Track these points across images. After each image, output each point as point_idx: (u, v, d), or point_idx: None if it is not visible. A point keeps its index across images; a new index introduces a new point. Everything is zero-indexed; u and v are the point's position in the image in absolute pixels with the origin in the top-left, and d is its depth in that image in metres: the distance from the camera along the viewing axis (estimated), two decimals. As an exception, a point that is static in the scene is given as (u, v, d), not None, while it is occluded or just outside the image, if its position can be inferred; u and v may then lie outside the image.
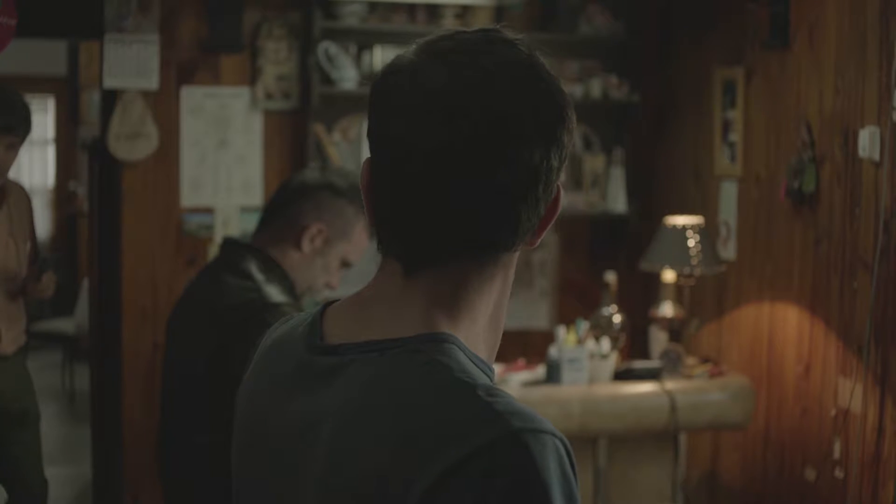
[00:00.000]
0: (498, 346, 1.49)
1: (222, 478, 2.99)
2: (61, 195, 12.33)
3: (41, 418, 5.08)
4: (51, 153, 12.57)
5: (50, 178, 12.66)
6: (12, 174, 4.99)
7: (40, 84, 11.50)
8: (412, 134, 1.36)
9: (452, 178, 1.35)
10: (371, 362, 1.37)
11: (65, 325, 9.65)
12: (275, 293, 3.07)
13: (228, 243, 3.29)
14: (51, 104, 12.22)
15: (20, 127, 4.78)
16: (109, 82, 5.43)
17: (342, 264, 3.26)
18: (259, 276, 3.12)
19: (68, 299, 9.87)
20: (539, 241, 1.46)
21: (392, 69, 1.41)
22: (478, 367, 1.39)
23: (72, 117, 11.48)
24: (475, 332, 1.43)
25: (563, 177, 1.45)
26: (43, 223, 12.52)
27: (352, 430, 1.33)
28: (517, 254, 1.46)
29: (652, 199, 5.93)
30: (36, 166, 12.55)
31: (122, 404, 5.60)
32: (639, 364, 4.98)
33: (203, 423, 3.04)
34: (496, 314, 1.48)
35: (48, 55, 10.96)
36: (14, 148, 4.80)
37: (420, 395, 1.31)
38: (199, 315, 3.16)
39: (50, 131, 12.35)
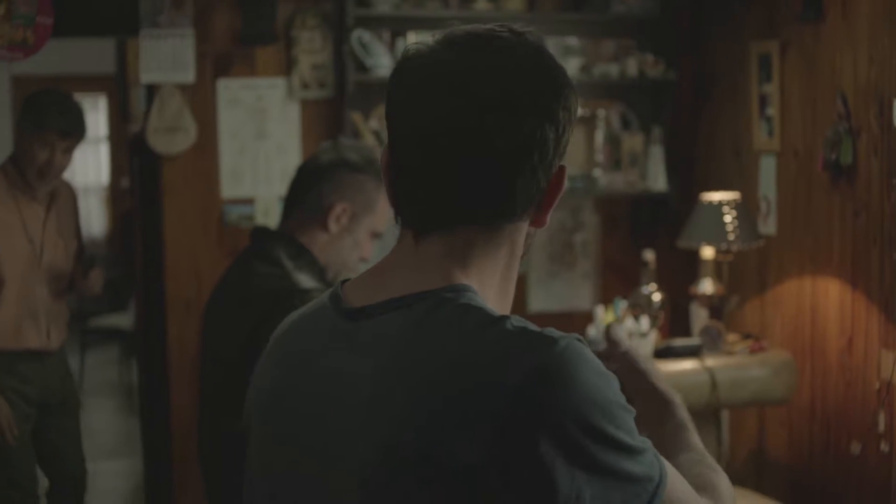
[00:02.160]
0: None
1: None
2: (115, 192, 12.45)
3: (94, 411, 5.19)
4: (104, 151, 12.70)
5: (104, 176, 12.79)
6: (68, 174, 5.14)
7: (92, 83, 11.63)
8: (419, 111, 1.49)
9: (455, 149, 1.47)
10: (401, 315, 1.46)
11: (121, 320, 9.76)
12: (304, 279, 3.09)
13: (258, 232, 3.32)
14: (102, 102, 12.35)
15: (76, 131, 4.88)
16: (147, 77, 5.48)
17: (372, 236, 3.28)
18: (288, 262, 3.15)
19: (124, 295, 9.99)
20: (546, 220, 1.56)
21: (407, 56, 1.54)
22: None
23: (122, 114, 11.60)
24: (485, 297, 1.51)
25: (566, 158, 1.54)
26: (99, 221, 12.67)
27: (395, 382, 1.41)
28: (525, 227, 1.56)
29: (692, 176, 5.89)
30: (90, 164, 12.69)
31: (169, 396, 5.65)
32: (678, 342, 4.95)
33: (236, 409, 3.07)
34: (504, 285, 1.58)
35: (98, 54, 11.07)
36: (70, 151, 4.90)
37: (458, 337, 1.41)
38: (232, 303, 3.19)
39: (102, 129, 12.48)
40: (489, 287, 1.54)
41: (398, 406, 1.39)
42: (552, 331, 1.42)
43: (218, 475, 3.24)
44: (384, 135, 5.59)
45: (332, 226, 3.21)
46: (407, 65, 1.52)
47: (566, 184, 1.55)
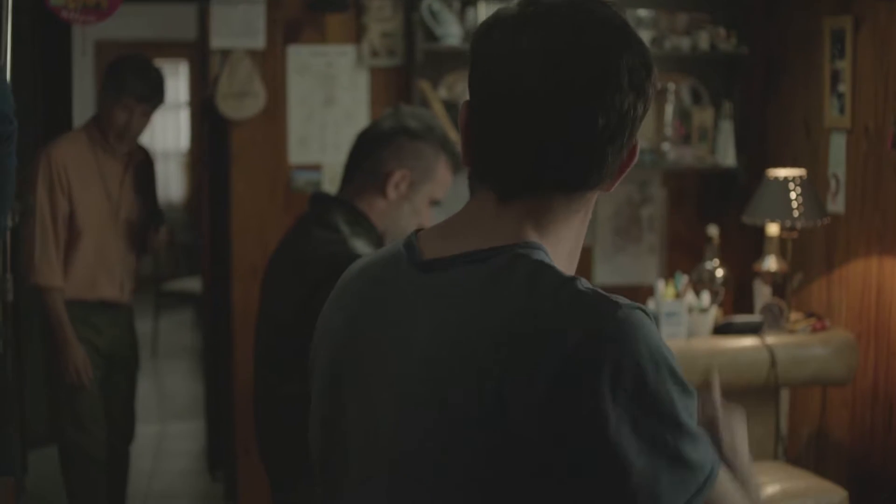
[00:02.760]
0: None
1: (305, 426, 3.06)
2: (195, 158, 12.56)
3: (167, 373, 5.37)
4: (184, 117, 12.81)
5: (183, 142, 12.90)
6: (148, 139, 5.43)
7: (174, 49, 11.72)
8: (516, 80, 1.52)
9: (551, 120, 1.52)
10: (475, 269, 1.52)
11: (195, 284, 9.86)
12: (360, 245, 3.10)
13: (317, 198, 3.34)
14: (184, 69, 12.45)
15: (155, 96, 5.13)
16: (217, 42, 5.52)
17: (430, 203, 3.29)
18: (345, 228, 3.17)
19: (198, 259, 10.08)
20: (614, 186, 1.62)
21: (495, 23, 1.57)
22: None
23: (203, 81, 11.67)
24: (556, 259, 1.56)
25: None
26: (177, 186, 12.80)
27: (465, 333, 1.47)
28: (597, 193, 1.62)
29: (761, 152, 5.82)
30: (170, 130, 12.81)
31: (233, 360, 5.70)
32: (739, 318, 4.91)
33: (291, 374, 3.10)
34: (574, 249, 1.64)
35: (180, 20, 11.14)
36: (147, 115, 5.15)
37: (528, 292, 1.46)
38: (288, 268, 3.22)
39: (183, 95, 12.59)
40: (562, 250, 1.60)
41: (466, 354, 1.46)
42: (621, 297, 1.48)
43: (270, 436, 3.27)
44: (457, 102, 5.62)
45: (391, 192, 3.22)
46: (496, 34, 1.56)
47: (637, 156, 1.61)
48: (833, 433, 5.30)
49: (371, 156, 3.26)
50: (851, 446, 5.15)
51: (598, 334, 1.41)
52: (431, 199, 3.30)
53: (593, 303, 1.45)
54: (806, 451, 5.39)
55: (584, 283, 1.48)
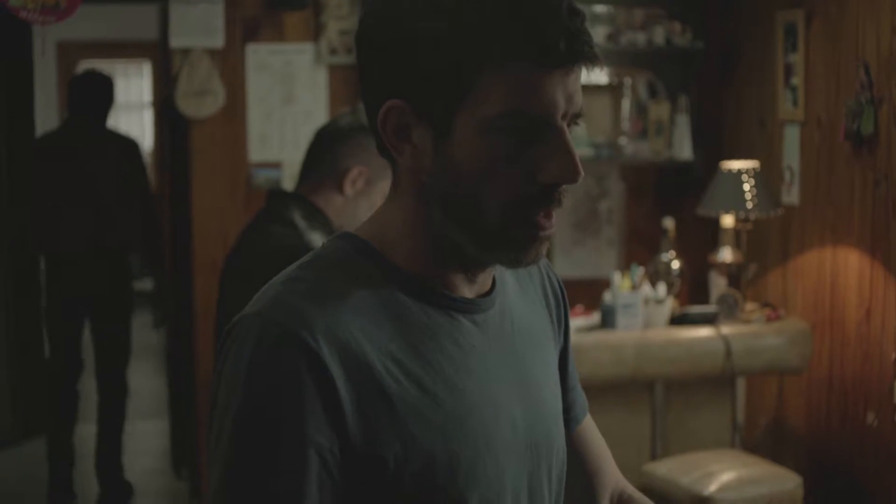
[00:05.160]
0: None
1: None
2: (160, 157, 12.54)
3: (132, 373, 5.67)
4: (148, 117, 12.79)
5: (148, 142, 12.88)
6: None
7: (136, 49, 11.69)
8: None
9: None
10: None
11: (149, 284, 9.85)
12: (317, 239, 3.13)
13: (273, 194, 3.37)
14: (147, 69, 12.43)
15: None
16: (176, 42, 5.54)
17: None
18: (302, 223, 3.19)
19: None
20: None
21: None
22: None
23: (166, 80, 11.66)
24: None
25: None
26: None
27: None
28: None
29: (718, 145, 5.89)
30: (134, 131, 12.77)
31: (195, 359, 5.73)
32: (695, 309, 4.97)
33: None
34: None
35: (142, 20, 11.12)
36: None
37: None
38: (245, 265, 3.25)
39: (147, 95, 12.57)
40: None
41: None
42: (276, 301, 1.49)
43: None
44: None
45: (348, 189, 3.25)
46: None
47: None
48: (789, 421, 5.37)
49: (329, 152, 3.29)
50: (807, 434, 5.22)
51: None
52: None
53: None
54: (763, 440, 5.46)
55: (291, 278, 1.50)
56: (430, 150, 1.44)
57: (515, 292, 1.63)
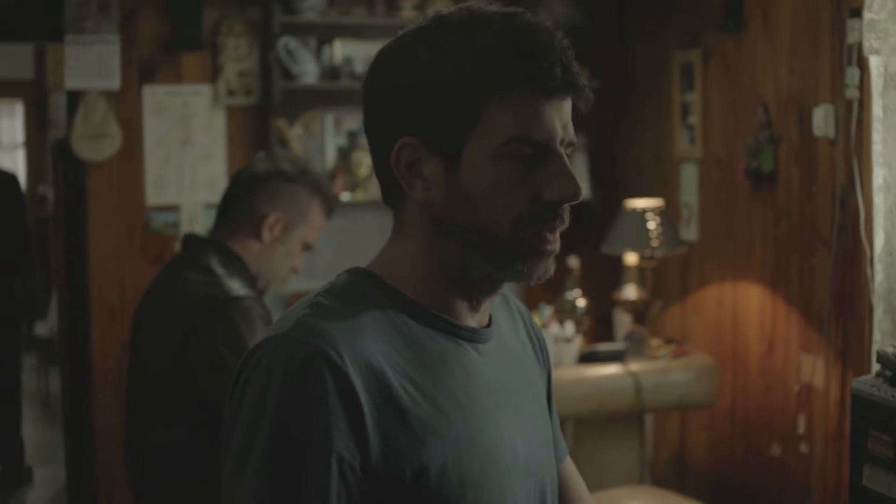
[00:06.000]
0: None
1: (188, 474, 3.03)
2: (33, 198, 12.30)
3: None
4: (20, 157, 12.55)
5: (21, 181, 12.63)
6: None
7: (8, 88, 11.50)
8: None
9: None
10: None
11: (39, 328, 9.65)
12: (236, 286, 3.09)
13: (189, 239, 3.32)
14: (19, 108, 12.21)
15: None
16: (72, 83, 5.44)
17: (303, 247, 3.31)
18: (220, 269, 3.15)
19: (42, 303, 9.87)
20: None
21: None
22: None
23: (40, 121, 11.48)
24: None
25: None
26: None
27: None
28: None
29: (615, 183, 5.96)
30: (6, 170, 12.51)
31: (92, 405, 5.61)
32: (603, 346, 5.01)
33: (169, 420, 3.07)
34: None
35: (15, 59, 10.95)
36: None
37: None
38: (162, 312, 3.19)
39: (19, 135, 12.34)
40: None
41: None
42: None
43: (147, 483, 3.22)
44: (306, 141, 5.63)
45: (266, 235, 3.23)
46: None
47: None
48: (692, 455, 5.44)
49: (246, 198, 3.26)
50: (711, 467, 5.29)
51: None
52: (305, 244, 3.32)
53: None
54: (667, 474, 5.52)
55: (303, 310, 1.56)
56: (441, 181, 1.57)
57: (509, 329, 1.76)
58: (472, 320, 1.64)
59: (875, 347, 3.91)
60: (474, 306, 1.63)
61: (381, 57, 1.63)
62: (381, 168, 1.62)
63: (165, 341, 3.09)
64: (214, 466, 2.99)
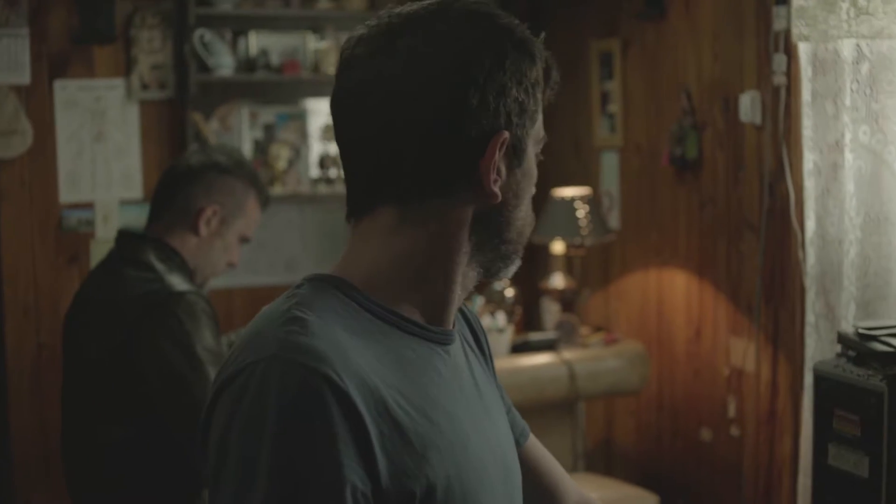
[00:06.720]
0: None
1: (131, 472, 2.97)
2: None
3: None
4: None
5: None
6: None
7: None
8: None
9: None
10: None
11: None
12: (178, 282, 3.04)
13: (124, 236, 3.24)
14: None
15: None
16: (-21, 78, 5.31)
17: (241, 240, 3.26)
18: (159, 265, 3.09)
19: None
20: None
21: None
22: None
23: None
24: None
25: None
26: None
27: None
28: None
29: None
30: None
31: (7, 406, 5.48)
32: (535, 336, 5.02)
33: (111, 419, 3.00)
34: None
35: None
36: None
37: None
38: (100, 311, 3.11)
39: None
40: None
41: None
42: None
43: (87, 483, 3.15)
44: (222, 135, 5.55)
45: (203, 229, 3.17)
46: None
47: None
48: (620, 441, 5.47)
49: (180, 192, 3.20)
50: (639, 452, 5.33)
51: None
52: (242, 236, 3.27)
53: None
54: (594, 460, 5.55)
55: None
56: (505, 176, 1.51)
57: (459, 324, 1.70)
58: (440, 324, 1.56)
59: (808, 329, 3.95)
60: (451, 309, 1.55)
61: (443, 43, 1.49)
62: (418, 160, 1.47)
63: (106, 340, 3.03)
64: (166, 462, 2.96)
